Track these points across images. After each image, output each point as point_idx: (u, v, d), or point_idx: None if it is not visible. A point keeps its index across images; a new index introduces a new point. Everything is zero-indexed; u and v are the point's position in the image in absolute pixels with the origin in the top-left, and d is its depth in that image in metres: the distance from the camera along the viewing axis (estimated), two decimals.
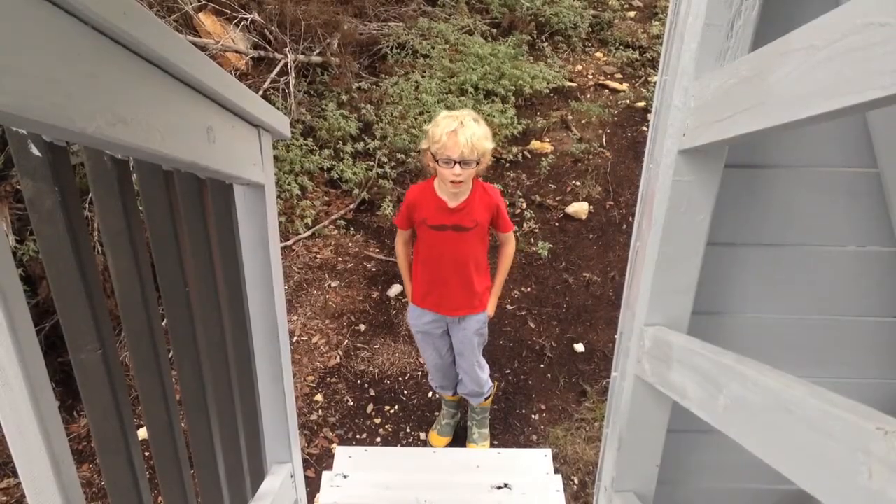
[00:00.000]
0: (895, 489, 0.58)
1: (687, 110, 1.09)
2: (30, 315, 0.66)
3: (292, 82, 4.87)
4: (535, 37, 6.13)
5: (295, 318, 3.83)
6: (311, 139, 4.73)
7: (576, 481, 2.97)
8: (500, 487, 2.40)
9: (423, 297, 2.52)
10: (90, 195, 2.64)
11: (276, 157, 4.33)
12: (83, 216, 0.78)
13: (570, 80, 5.75)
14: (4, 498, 2.90)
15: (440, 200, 2.30)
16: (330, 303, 3.95)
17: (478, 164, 2.16)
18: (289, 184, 4.32)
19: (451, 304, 2.50)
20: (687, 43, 1.08)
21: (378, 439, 3.20)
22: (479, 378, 2.76)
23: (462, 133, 2.06)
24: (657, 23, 6.50)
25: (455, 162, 2.10)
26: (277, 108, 1.44)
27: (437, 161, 2.15)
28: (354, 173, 4.55)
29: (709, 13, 1.03)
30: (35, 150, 0.67)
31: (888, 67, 0.57)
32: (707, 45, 1.05)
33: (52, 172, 0.69)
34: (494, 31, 6.08)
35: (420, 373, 3.51)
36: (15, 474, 2.98)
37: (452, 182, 2.16)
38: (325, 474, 2.47)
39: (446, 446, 2.96)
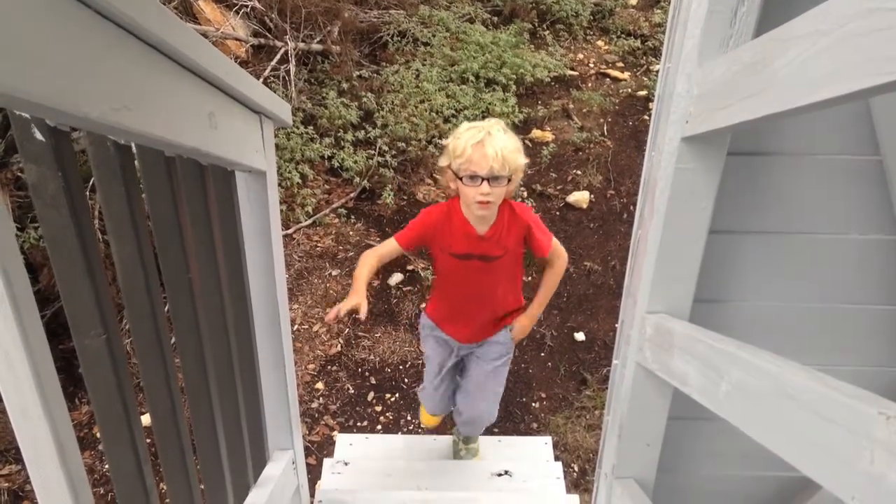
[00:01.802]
0: None
1: (690, 98, 1.09)
2: (34, 298, 0.67)
3: (293, 70, 4.85)
4: (536, 25, 6.11)
5: (296, 306, 3.84)
6: (311, 127, 4.72)
7: (576, 469, 2.99)
8: (500, 475, 2.41)
9: (442, 320, 2.21)
10: (91, 181, 2.63)
11: (276, 146, 4.31)
12: (87, 200, 0.78)
13: (572, 69, 5.73)
14: (6, 484, 2.92)
15: (468, 227, 1.91)
16: (331, 291, 3.96)
17: (509, 181, 1.78)
18: (289, 172, 4.31)
19: (470, 335, 2.17)
20: (690, 30, 1.07)
21: (379, 427, 3.22)
22: (490, 411, 2.31)
23: (490, 144, 1.71)
24: (659, 11, 6.47)
25: (482, 179, 1.72)
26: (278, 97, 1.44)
27: (460, 179, 1.78)
28: (355, 162, 4.54)
29: (712, 0, 1.02)
30: (39, 135, 0.67)
31: (894, 53, 0.57)
32: (710, 32, 1.04)
33: (55, 157, 0.69)
34: (495, 19, 6.05)
35: (421, 361, 3.52)
36: (16, 461, 3.00)
37: (479, 203, 1.77)
38: (327, 461, 2.48)
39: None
